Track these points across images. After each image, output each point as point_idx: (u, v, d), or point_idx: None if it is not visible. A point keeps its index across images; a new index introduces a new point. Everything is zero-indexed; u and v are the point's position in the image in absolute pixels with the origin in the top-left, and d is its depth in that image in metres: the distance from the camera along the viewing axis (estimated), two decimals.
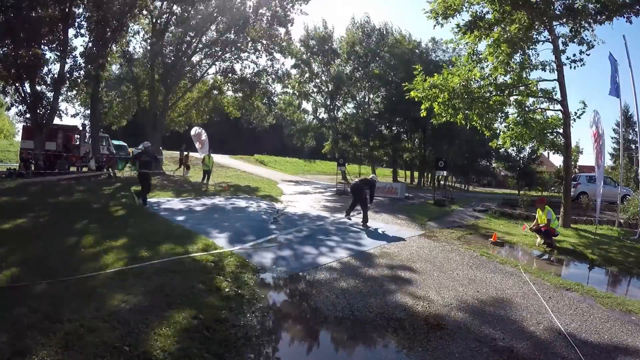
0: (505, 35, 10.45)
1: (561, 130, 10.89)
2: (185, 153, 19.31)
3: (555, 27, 10.65)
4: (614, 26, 10.01)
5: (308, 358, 3.27)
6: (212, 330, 3.25)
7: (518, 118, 11.41)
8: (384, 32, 29.44)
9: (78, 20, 17.42)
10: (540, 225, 7.79)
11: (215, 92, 23.65)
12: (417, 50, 29.11)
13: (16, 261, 4.52)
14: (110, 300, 3.62)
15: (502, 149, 25.95)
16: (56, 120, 17.70)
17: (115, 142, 22.12)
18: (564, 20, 10.33)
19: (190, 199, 11.77)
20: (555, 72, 10.72)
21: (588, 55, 10.46)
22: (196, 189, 14.32)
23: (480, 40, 11.16)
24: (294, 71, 27.47)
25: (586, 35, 10.30)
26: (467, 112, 11.15)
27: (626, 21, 9.70)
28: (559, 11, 10.24)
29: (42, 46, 16.64)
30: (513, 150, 26.89)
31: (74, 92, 20.74)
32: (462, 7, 11.07)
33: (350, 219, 9.45)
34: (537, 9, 9.89)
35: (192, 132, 19.78)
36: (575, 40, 10.46)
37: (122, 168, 19.33)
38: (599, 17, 9.80)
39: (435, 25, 11.52)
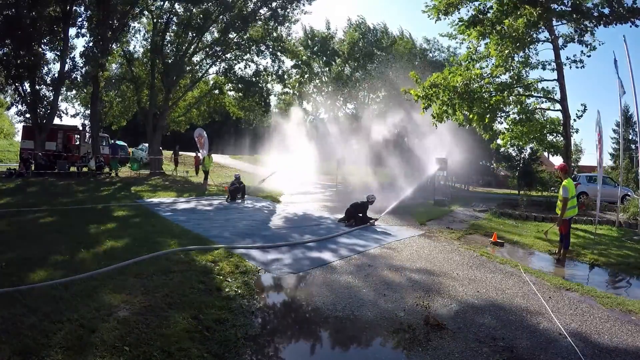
0: (509, 31, 10.36)
1: (561, 130, 10.89)
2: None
3: (555, 27, 10.63)
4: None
5: (308, 358, 3.27)
6: (212, 330, 3.25)
7: (517, 117, 11.38)
8: (381, 33, 29.39)
9: (79, 19, 17.47)
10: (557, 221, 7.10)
11: (217, 92, 23.62)
12: (414, 50, 29.12)
13: (16, 261, 4.52)
14: (110, 300, 3.62)
15: (502, 150, 25.89)
16: (56, 120, 17.74)
17: (119, 143, 22.17)
18: (567, 19, 10.28)
19: (191, 199, 11.79)
20: (555, 72, 10.72)
21: (589, 56, 10.44)
22: (197, 189, 14.32)
23: (482, 38, 11.10)
24: (294, 71, 27.46)
25: (588, 38, 10.26)
26: (466, 112, 11.11)
27: (631, 25, 9.68)
28: (563, 9, 10.19)
29: (42, 46, 16.68)
30: (514, 150, 26.83)
31: (74, 92, 20.81)
32: (465, 4, 11.02)
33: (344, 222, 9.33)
34: (540, 5, 9.81)
35: (195, 134, 19.83)
36: (575, 40, 10.43)
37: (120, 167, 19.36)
38: (603, 19, 9.76)
39: (436, 21, 11.47)
